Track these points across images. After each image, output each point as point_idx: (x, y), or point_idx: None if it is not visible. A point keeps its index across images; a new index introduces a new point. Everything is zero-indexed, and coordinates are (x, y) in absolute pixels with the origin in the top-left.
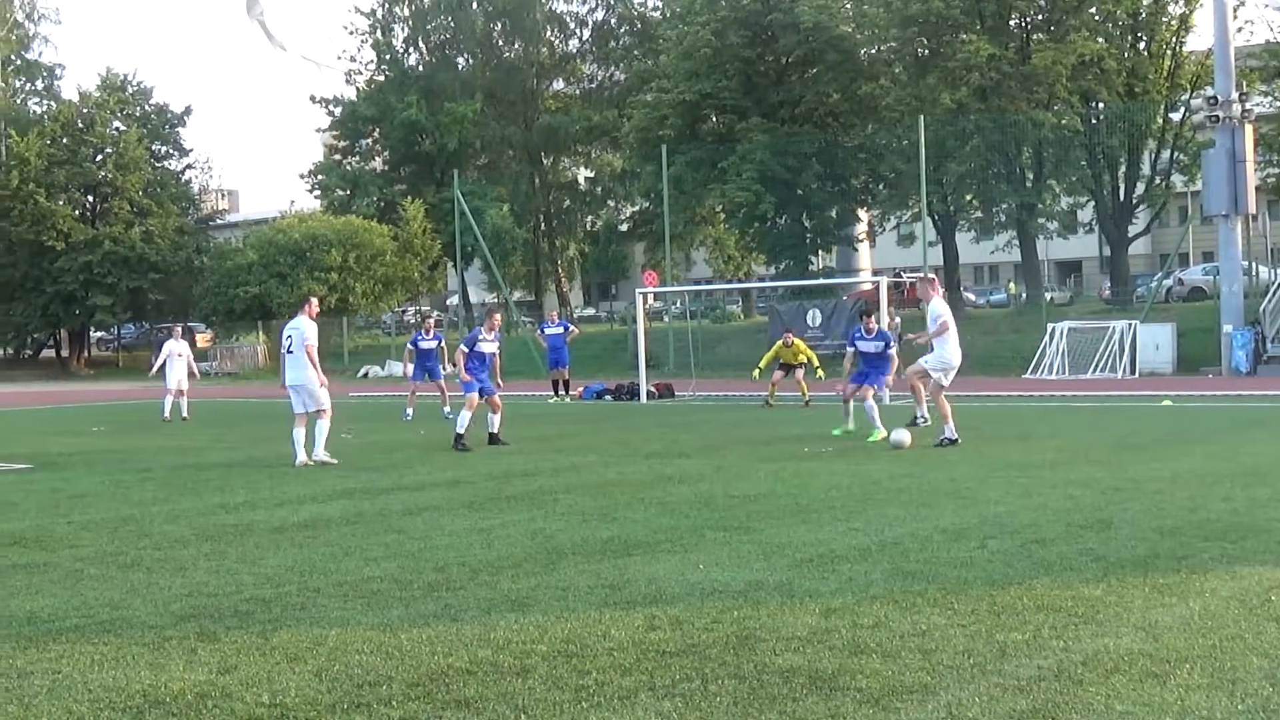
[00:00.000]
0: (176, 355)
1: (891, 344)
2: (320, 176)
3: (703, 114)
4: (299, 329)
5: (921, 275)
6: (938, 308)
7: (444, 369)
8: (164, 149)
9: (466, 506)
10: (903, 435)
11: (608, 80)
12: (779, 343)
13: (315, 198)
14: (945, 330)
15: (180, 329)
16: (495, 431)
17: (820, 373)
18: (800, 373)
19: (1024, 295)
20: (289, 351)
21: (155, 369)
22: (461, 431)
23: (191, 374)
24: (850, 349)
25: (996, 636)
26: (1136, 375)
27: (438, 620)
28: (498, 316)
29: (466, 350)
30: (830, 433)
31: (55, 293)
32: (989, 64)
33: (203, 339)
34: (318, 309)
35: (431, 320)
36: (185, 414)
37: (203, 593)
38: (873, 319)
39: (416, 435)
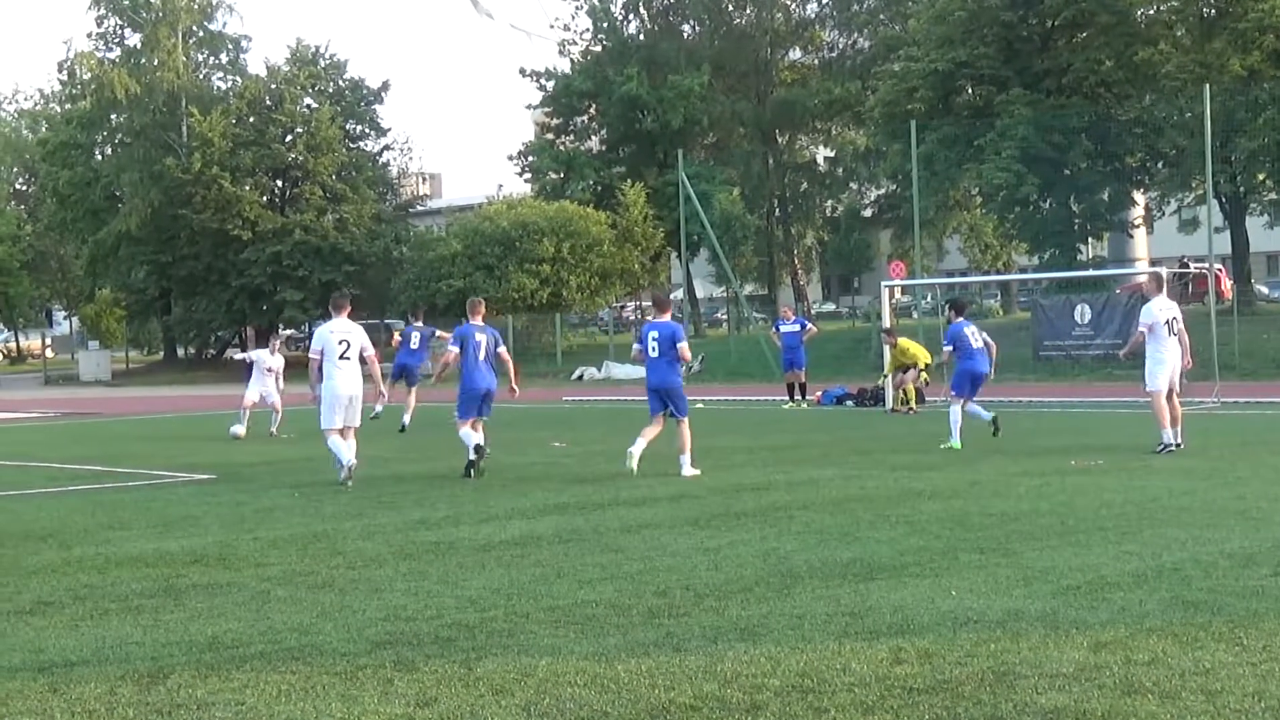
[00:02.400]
0: (266, 370)
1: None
2: (531, 158)
3: (957, 85)
4: (354, 334)
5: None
6: (1145, 313)
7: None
8: (359, 128)
9: (691, 524)
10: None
11: (850, 48)
12: (887, 347)
13: (525, 181)
14: (1140, 341)
15: (278, 340)
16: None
17: (925, 377)
18: (912, 374)
19: None
20: (345, 357)
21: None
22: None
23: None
24: (947, 348)
25: None
26: None
27: (659, 650)
28: (482, 304)
29: (458, 349)
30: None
31: (241, 287)
32: None
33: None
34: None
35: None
36: (241, 432)
37: (400, 617)
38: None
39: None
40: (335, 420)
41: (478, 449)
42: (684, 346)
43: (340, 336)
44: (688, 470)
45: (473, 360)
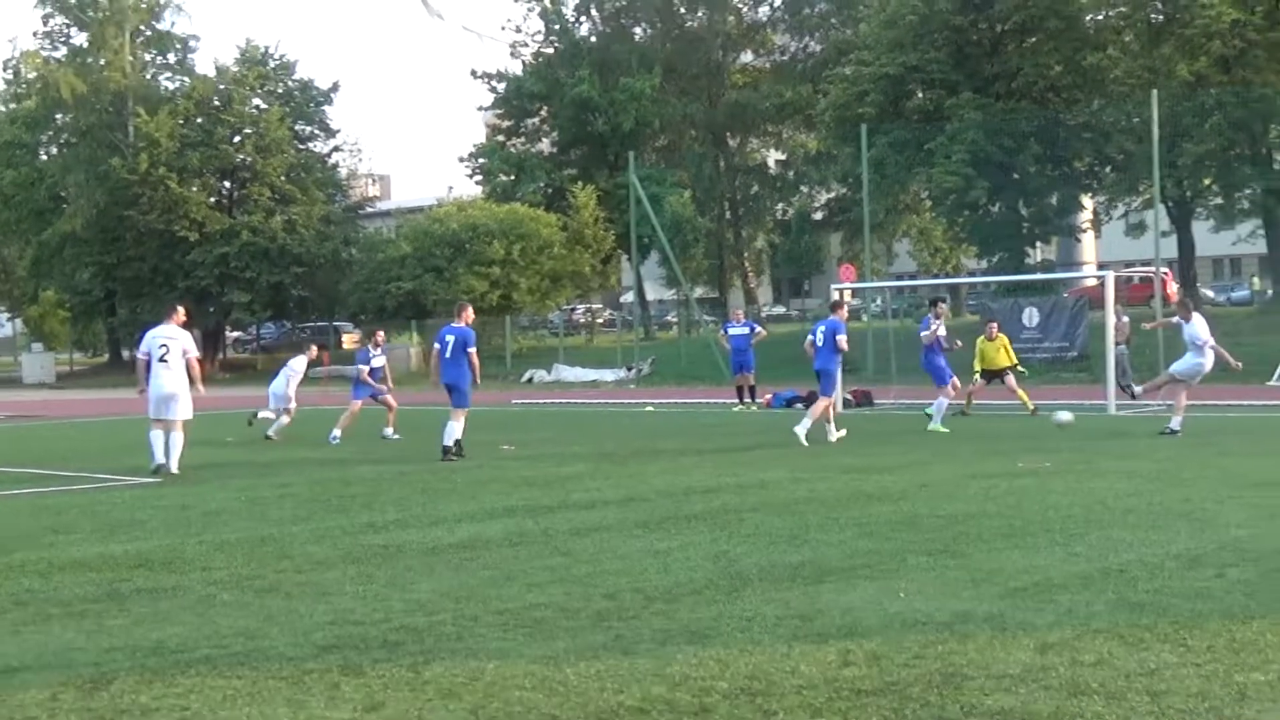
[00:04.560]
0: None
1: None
2: (481, 160)
3: (907, 89)
4: (175, 339)
5: (1179, 297)
6: (1198, 330)
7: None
8: (308, 129)
9: (641, 526)
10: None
11: (801, 52)
12: (981, 338)
13: (476, 183)
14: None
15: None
16: (449, 443)
17: (1022, 370)
18: (1011, 378)
19: (1270, 291)
20: (163, 360)
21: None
22: (450, 444)
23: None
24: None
25: (1236, 677)
26: None
27: (608, 653)
28: (467, 307)
29: (438, 346)
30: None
31: (188, 288)
32: (1233, 30)
33: (349, 339)
34: (183, 316)
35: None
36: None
37: (347, 621)
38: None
39: (587, 448)
40: (152, 412)
41: (444, 449)
42: (842, 338)
43: (161, 340)
44: (801, 428)
45: (440, 357)
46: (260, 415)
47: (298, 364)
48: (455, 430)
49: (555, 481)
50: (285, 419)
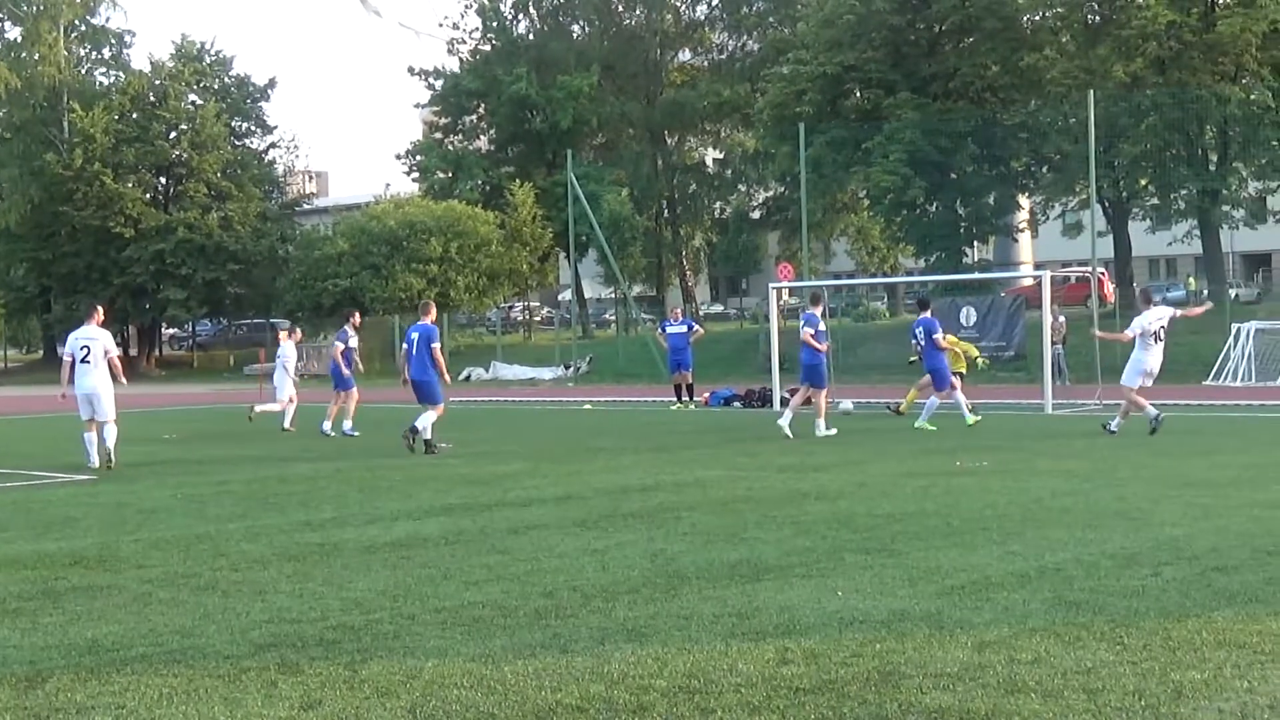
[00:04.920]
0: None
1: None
2: (419, 157)
3: (845, 88)
4: (95, 339)
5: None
6: (1135, 322)
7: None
8: (245, 126)
9: (578, 525)
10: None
11: (739, 50)
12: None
13: (413, 181)
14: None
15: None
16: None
17: (981, 362)
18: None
19: (1205, 292)
20: (85, 361)
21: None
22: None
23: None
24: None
25: (1171, 675)
26: None
27: (545, 651)
28: (430, 306)
29: (406, 345)
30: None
31: (123, 285)
32: (1168, 32)
33: (286, 337)
34: (102, 316)
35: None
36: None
37: (284, 619)
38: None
39: (524, 446)
40: (82, 414)
41: (411, 429)
42: (805, 332)
43: (82, 342)
44: (819, 429)
45: (408, 355)
46: (258, 410)
47: (287, 350)
48: (427, 419)
49: (493, 479)
50: (278, 406)
